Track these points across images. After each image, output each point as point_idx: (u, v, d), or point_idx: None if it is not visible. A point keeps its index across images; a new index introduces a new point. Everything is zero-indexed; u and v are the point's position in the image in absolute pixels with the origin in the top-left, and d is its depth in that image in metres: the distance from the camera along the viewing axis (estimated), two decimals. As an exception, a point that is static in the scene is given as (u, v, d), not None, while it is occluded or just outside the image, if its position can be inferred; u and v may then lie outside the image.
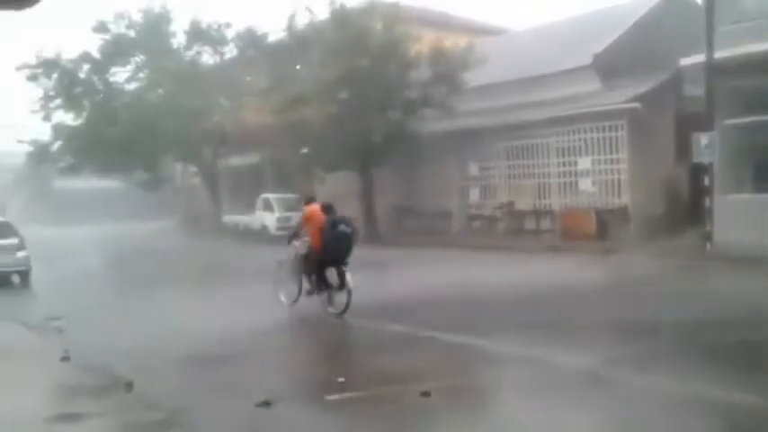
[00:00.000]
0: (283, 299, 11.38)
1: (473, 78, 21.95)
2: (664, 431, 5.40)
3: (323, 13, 23.49)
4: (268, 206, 26.92)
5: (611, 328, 8.86)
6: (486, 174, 22.78)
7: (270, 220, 26.39)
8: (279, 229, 25.67)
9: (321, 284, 10.74)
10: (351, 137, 22.13)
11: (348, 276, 10.33)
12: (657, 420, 5.48)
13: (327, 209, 11.02)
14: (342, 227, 10.59)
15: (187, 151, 30.17)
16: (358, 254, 10.72)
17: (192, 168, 33.85)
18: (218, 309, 11.39)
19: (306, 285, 11.04)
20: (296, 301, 11.16)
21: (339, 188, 26.15)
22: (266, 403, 6.05)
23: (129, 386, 6.68)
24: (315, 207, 11.26)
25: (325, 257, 10.60)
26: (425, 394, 6.07)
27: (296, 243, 11.38)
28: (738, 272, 12.68)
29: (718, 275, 12.91)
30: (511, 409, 5.96)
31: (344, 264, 10.52)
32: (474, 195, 23.21)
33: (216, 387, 7.01)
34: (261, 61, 25.69)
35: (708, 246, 15.05)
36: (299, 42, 24.34)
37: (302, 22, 24.31)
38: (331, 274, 10.67)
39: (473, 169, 23.09)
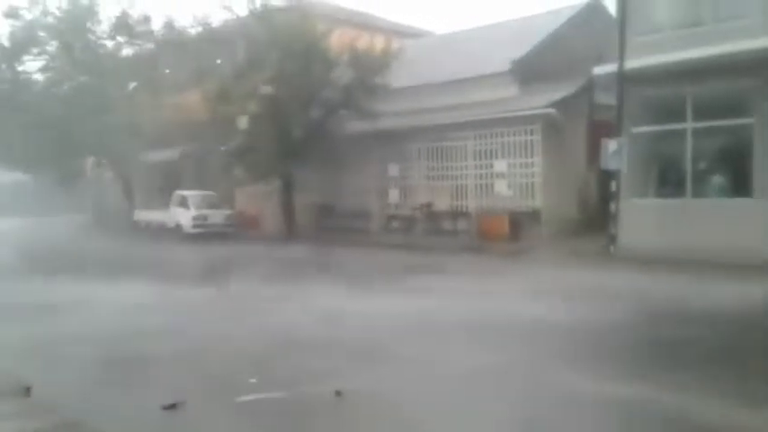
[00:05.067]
0: None
1: (395, 80, 22.03)
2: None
3: (242, 10, 23.21)
4: (183, 203, 25.69)
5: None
6: (405, 174, 22.88)
7: (185, 218, 25.18)
8: (195, 227, 24.72)
9: None
10: (271, 135, 21.83)
11: None
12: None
13: None
14: None
15: (100, 145, 28.92)
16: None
17: (105, 163, 32.59)
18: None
19: None
20: None
21: (261, 186, 25.81)
22: (173, 406, 5.77)
23: (27, 390, 6.26)
24: None
25: None
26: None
27: None
28: (637, 273, 13.13)
29: (616, 277, 13.24)
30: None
31: None
32: (393, 196, 23.26)
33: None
34: (181, 55, 25.03)
35: (612, 248, 15.61)
36: (220, 38, 23.87)
37: (219, 17, 23.90)
38: None
39: (393, 170, 23.14)
